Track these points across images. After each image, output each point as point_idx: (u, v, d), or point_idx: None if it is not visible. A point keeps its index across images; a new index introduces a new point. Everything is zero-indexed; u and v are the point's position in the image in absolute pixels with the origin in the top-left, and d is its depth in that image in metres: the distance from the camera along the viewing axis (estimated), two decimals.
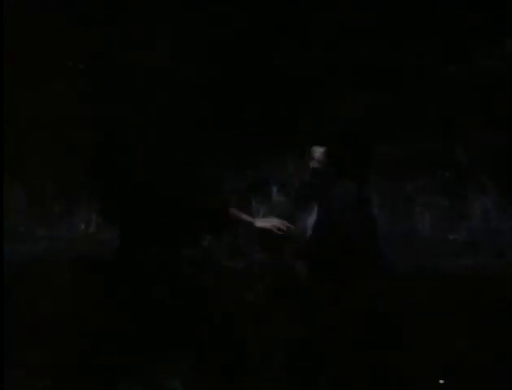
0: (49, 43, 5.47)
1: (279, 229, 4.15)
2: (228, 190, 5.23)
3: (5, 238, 4.51)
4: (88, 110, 5.26)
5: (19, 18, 5.41)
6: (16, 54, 5.30)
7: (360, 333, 3.93)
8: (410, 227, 5.33)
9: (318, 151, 4.21)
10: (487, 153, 5.46)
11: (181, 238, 4.12)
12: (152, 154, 4.47)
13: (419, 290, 4.75)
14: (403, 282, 4.71)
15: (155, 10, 5.45)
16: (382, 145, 5.42)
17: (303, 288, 3.95)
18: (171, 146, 4.63)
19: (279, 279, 4.48)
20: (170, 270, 3.99)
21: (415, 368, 4.22)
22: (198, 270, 4.22)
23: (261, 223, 4.18)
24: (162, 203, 4.08)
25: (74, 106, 5.37)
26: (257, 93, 5.50)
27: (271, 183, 5.56)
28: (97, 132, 4.65)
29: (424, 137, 5.53)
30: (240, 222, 4.15)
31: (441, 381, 4.38)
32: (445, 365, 4.43)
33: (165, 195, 4.11)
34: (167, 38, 5.36)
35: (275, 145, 5.43)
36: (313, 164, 4.21)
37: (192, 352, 3.83)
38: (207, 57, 5.53)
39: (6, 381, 3.90)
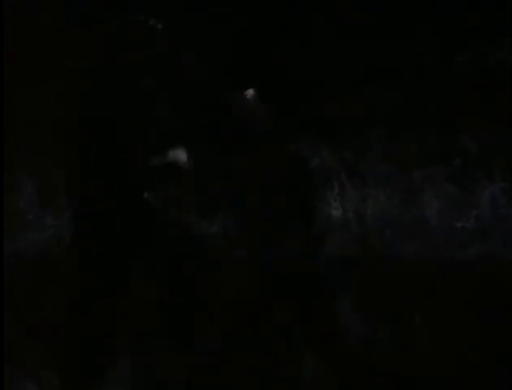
0: (49, 43, 5.46)
1: None
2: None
3: (14, 226, 4.52)
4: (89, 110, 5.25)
5: (19, 18, 5.41)
6: (16, 54, 5.29)
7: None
8: (419, 215, 5.32)
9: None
10: (494, 142, 5.45)
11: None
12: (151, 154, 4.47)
13: (427, 278, 4.75)
14: (411, 269, 4.74)
15: (155, 10, 5.44)
16: (389, 133, 5.43)
17: None
18: (171, 146, 4.63)
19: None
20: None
21: (422, 356, 4.22)
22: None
23: None
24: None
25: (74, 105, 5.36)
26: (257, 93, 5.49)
27: None
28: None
29: (432, 125, 5.52)
30: None
31: None
32: (450, 352, 4.42)
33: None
34: (167, 38, 5.36)
35: None
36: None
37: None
38: (207, 57, 5.53)
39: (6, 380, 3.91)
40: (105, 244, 4.13)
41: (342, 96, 5.55)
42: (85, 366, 4.00)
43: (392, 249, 4.99)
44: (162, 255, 4.48)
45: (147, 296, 4.55)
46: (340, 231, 5.25)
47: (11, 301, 4.61)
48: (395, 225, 5.19)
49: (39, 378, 4.23)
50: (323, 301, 4.07)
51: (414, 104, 5.54)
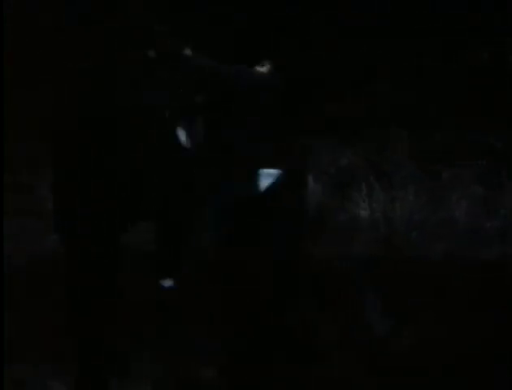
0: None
1: None
2: None
3: (45, 226, 4.50)
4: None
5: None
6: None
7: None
8: (447, 214, 5.34)
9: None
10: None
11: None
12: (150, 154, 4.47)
13: (456, 277, 4.76)
14: (440, 269, 4.74)
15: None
16: (418, 134, 5.44)
17: None
18: (169, 147, 4.64)
19: None
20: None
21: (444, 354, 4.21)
22: None
23: None
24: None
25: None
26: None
27: None
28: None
29: (460, 126, 5.53)
30: None
31: None
32: (475, 348, 4.39)
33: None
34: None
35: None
36: None
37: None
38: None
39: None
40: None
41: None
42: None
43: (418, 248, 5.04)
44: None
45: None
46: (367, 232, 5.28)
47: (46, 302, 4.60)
48: (423, 225, 5.22)
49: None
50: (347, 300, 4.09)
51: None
